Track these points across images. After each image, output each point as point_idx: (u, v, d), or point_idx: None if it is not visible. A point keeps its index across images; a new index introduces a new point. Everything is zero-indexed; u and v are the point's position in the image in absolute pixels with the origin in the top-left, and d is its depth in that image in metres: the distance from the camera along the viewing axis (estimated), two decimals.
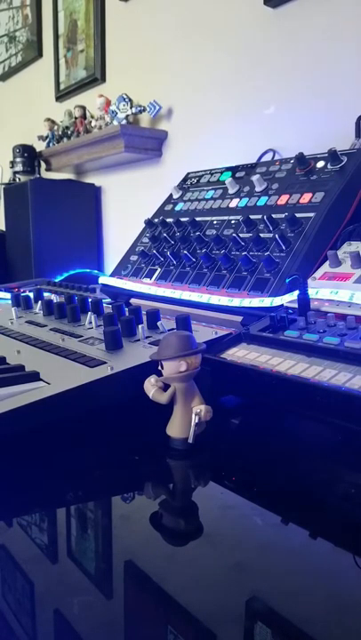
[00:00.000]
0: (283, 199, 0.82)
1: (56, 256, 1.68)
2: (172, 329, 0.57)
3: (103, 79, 1.89)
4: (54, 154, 1.93)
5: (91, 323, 0.64)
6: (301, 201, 0.79)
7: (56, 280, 1.30)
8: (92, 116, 1.77)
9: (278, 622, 0.26)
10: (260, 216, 0.81)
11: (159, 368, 0.44)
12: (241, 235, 0.82)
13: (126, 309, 0.63)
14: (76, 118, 1.83)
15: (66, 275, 1.58)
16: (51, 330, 0.66)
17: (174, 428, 0.45)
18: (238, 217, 0.85)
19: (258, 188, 0.88)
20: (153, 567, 0.31)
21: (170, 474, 0.44)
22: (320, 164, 0.82)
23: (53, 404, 0.45)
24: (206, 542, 0.34)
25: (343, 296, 0.59)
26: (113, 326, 0.56)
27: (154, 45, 1.63)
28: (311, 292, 0.61)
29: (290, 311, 0.60)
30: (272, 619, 0.27)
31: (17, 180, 2.11)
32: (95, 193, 1.91)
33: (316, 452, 0.45)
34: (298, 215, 0.76)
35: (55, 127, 1.95)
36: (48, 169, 2.03)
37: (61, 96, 2.12)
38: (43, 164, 2.06)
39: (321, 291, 0.62)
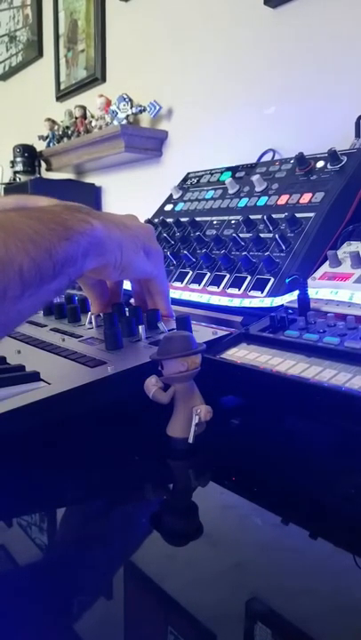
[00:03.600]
0: (283, 199, 0.82)
1: None
2: (173, 329, 0.57)
3: (103, 79, 1.89)
4: (55, 154, 1.93)
5: (91, 323, 0.64)
6: (301, 201, 0.79)
7: None
8: (93, 116, 1.77)
9: (278, 622, 0.26)
10: (260, 216, 0.81)
11: (159, 368, 0.44)
12: (241, 235, 0.82)
13: (126, 309, 0.63)
14: (76, 118, 1.83)
15: None
16: (51, 330, 0.66)
17: (174, 428, 0.45)
18: (238, 217, 0.85)
19: (258, 188, 0.88)
20: (153, 567, 0.31)
21: (170, 474, 0.44)
22: (320, 163, 0.82)
23: (53, 404, 0.45)
24: (206, 542, 0.34)
25: (343, 296, 0.59)
26: (113, 326, 0.55)
27: (154, 45, 1.63)
28: (311, 292, 0.61)
29: (290, 311, 0.60)
30: (272, 619, 0.27)
31: (17, 179, 2.11)
32: (95, 193, 1.91)
33: (317, 452, 0.45)
34: (298, 215, 0.76)
35: (55, 127, 1.95)
36: (48, 169, 2.03)
37: (62, 96, 2.12)
38: (43, 164, 2.07)
39: (321, 291, 0.62)
